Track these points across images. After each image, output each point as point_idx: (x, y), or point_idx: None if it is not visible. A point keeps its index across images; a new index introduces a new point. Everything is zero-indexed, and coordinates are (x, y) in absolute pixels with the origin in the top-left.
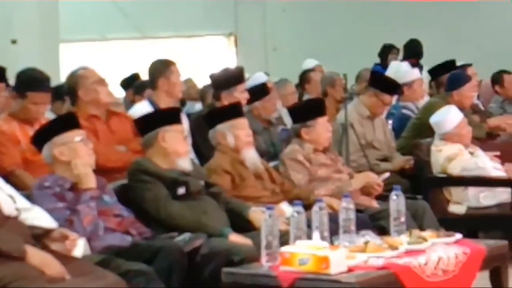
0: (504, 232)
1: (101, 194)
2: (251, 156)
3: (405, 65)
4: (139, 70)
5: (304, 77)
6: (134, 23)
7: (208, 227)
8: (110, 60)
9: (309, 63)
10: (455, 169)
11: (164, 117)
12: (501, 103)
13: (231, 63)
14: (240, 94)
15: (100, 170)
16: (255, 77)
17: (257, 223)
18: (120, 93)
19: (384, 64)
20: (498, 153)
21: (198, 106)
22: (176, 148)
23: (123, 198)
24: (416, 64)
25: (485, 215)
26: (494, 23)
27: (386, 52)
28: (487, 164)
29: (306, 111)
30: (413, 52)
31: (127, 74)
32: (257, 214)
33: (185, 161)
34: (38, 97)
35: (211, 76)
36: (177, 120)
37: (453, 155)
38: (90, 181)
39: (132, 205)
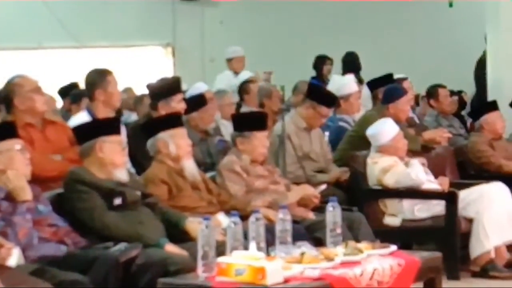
0: (438, 244)
1: (35, 203)
2: (190, 166)
3: (344, 78)
4: (76, 79)
5: (243, 88)
6: (71, 32)
7: (144, 237)
8: (47, 69)
9: (244, 75)
10: (389, 181)
11: (102, 127)
12: (435, 117)
13: (168, 73)
14: (177, 104)
15: (36, 179)
16: (195, 87)
17: (194, 234)
18: (57, 102)
19: (320, 76)
20: (424, 160)
21: (135, 116)
22: (113, 159)
23: (58, 208)
24: (356, 77)
25: (420, 227)
26: (429, 38)
27: (321, 63)
28: (421, 176)
29: (246, 121)
30: (352, 65)
31: (63, 83)
32: (193, 224)
33: (122, 172)
34: None
35: (148, 86)
36: (116, 131)
37: (388, 167)
38: (26, 193)
39: (67, 215)
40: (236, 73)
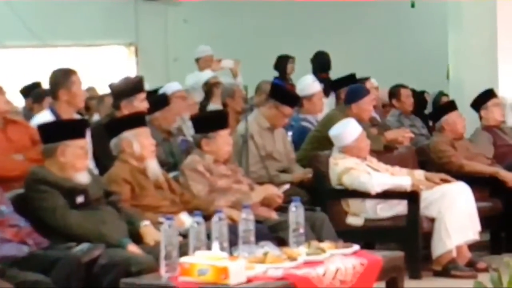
0: (400, 243)
1: None
2: (153, 166)
3: (307, 77)
4: (38, 78)
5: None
6: (33, 31)
7: (107, 237)
8: (9, 68)
9: (207, 74)
10: (346, 183)
11: (67, 130)
12: (398, 117)
13: (132, 73)
14: (140, 104)
15: None
16: (168, 86)
17: (147, 238)
18: (19, 102)
19: (283, 76)
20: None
21: (97, 116)
22: (74, 163)
23: (19, 208)
24: (326, 78)
25: (382, 227)
26: (392, 38)
27: (283, 63)
28: (379, 184)
29: (208, 122)
30: (321, 65)
31: (26, 82)
32: (148, 228)
33: (82, 175)
34: None
35: (111, 86)
36: (80, 134)
37: (346, 170)
38: None
39: (29, 215)
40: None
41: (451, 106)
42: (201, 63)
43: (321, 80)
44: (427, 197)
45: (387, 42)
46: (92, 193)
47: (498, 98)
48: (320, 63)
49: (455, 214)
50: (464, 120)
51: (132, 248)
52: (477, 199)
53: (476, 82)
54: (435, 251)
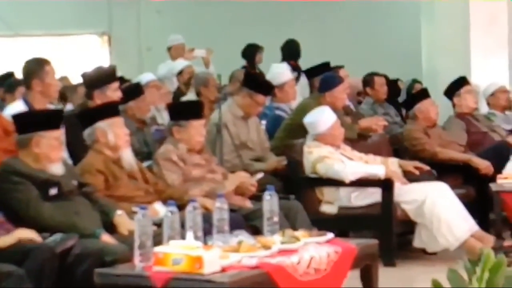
0: (374, 231)
1: None
2: (127, 156)
3: (278, 66)
4: (11, 68)
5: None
6: (5, 20)
7: (80, 227)
8: None
9: (181, 64)
10: (320, 172)
11: (42, 121)
12: (371, 105)
13: (105, 62)
14: (112, 93)
15: None
16: (143, 77)
17: (121, 228)
18: None
19: (251, 65)
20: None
21: (70, 106)
22: (49, 155)
23: None
24: (295, 66)
25: (356, 215)
26: (366, 26)
27: (252, 52)
28: (352, 172)
29: (182, 111)
30: (291, 53)
31: None
32: (122, 218)
33: (57, 167)
34: None
35: (84, 75)
36: (55, 125)
37: (320, 158)
38: None
39: (1, 206)
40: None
41: (424, 94)
42: (173, 52)
43: (292, 68)
44: (407, 191)
45: (361, 31)
46: (66, 184)
47: (471, 86)
48: (290, 51)
49: (449, 210)
50: (437, 108)
51: (106, 238)
52: (451, 186)
53: (449, 69)
54: (434, 246)
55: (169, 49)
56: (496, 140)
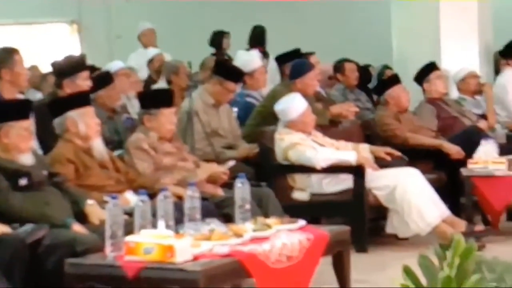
0: (346, 218)
1: None
2: (98, 145)
3: (248, 53)
4: None
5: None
6: None
7: (51, 217)
8: None
9: (151, 52)
10: (292, 159)
11: (11, 110)
12: (343, 91)
13: (75, 51)
14: (82, 82)
15: None
16: (112, 65)
17: (92, 217)
18: None
19: (219, 52)
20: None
21: (40, 94)
22: (18, 145)
23: None
24: (262, 52)
25: (328, 201)
26: (336, 12)
27: (219, 38)
28: (327, 152)
29: (152, 99)
30: (258, 40)
31: None
32: (93, 207)
33: (27, 157)
34: None
35: (53, 64)
36: (25, 115)
37: (291, 145)
38: None
39: None
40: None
41: (395, 79)
42: (144, 39)
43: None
44: (379, 177)
45: (332, 17)
46: (36, 175)
47: (441, 71)
48: (257, 37)
49: (420, 196)
50: (408, 94)
51: (77, 227)
52: (422, 172)
53: (419, 55)
54: (405, 232)
55: (139, 37)
56: (467, 124)
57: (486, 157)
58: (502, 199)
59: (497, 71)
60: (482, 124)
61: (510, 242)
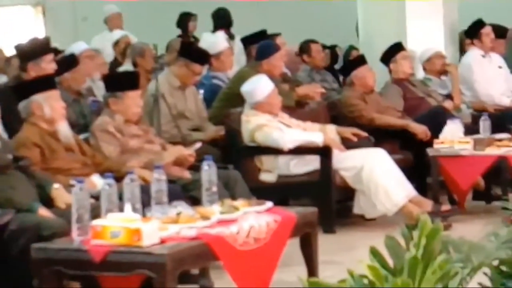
0: (313, 199)
1: None
2: (64, 128)
3: (214, 35)
4: None
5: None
6: None
7: (16, 202)
8: None
9: (117, 34)
10: (258, 140)
11: None
12: (309, 72)
13: (39, 34)
14: (47, 65)
15: None
16: (75, 46)
17: (58, 201)
18: None
19: (186, 34)
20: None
21: (5, 78)
22: None
23: None
24: (228, 33)
25: (295, 183)
26: None
27: (185, 21)
28: (293, 134)
29: (118, 82)
30: (222, 22)
31: None
32: (58, 191)
33: None
34: None
35: (17, 47)
36: None
37: (257, 127)
38: None
39: None
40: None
41: (361, 60)
42: (109, 23)
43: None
44: (346, 157)
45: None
46: (1, 158)
47: (407, 51)
48: (222, 19)
49: (386, 176)
50: (374, 74)
51: (43, 212)
52: (388, 152)
53: (385, 35)
54: (372, 212)
55: (106, 21)
56: (432, 105)
57: (452, 137)
58: (468, 178)
59: (462, 51)
60: (447, 104)
61: (476, 222)
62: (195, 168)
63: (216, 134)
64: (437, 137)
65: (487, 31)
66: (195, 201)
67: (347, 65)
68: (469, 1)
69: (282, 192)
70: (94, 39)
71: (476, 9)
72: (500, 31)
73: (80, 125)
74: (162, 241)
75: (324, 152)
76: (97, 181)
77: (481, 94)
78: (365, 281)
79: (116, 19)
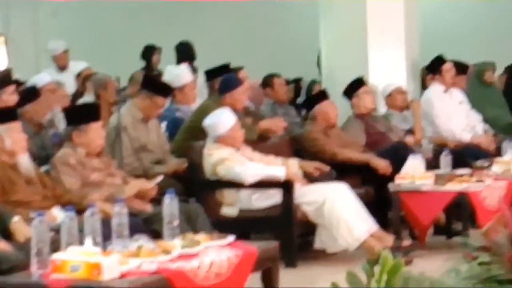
0: (274, 233)
1: None
2: (25, 161)
3: (178, 68)
4: None
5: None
6: None
7: None
8: None
9: (80, 65)
10: (220, 174)
11: None
12: (272, 106)
13: (1, 64)
14: (9, 97)
15: None
16: (38, 78)
17: (18, 235)
18: None
19: (149, 66)
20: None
21: None
22: None
23: None
24: (191, 66)
25: (257, 217)
26: (264, 26)
27: (149, 53)
28: (255, 168)
29: (79, 114)
30: (186, 55)
31: None
32: (19, 224)
33: None
34: None
35: None
36: None
37: (220, 161)
38: None
39: None
40: (62, 68)
41: (323, 95)
42: (57, 61)
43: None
44: (307, 192)
45: (260, 31)
46: None
47: (368, 86)
48: (185, 52)
49: (348, 211)
50: (336, 109)
51: (2, 245)
52: (350, 186)
53: (347, 70)
54: (334, 247)
55: (53, 59)
56: (394, 140)
57: (413, 172)
58: (429, 213)
59: (424, 86)
60: (409, 139)
61: (437, 257)
62: (156, 201)
63: (178, 167)
64: (398, 172)
65: (448, 67)
66: (156, 235)
67: (309, 99)
68: (431, 37)
69: (243, 226)
70: (40, 76)
71: (438, 45)
72: (461, 67)
73: (41, 157)
74: (123, 275)
75: (286, 186)
76: (58, 214)
77: (442, 130)
78: None
79: (64, 58)
